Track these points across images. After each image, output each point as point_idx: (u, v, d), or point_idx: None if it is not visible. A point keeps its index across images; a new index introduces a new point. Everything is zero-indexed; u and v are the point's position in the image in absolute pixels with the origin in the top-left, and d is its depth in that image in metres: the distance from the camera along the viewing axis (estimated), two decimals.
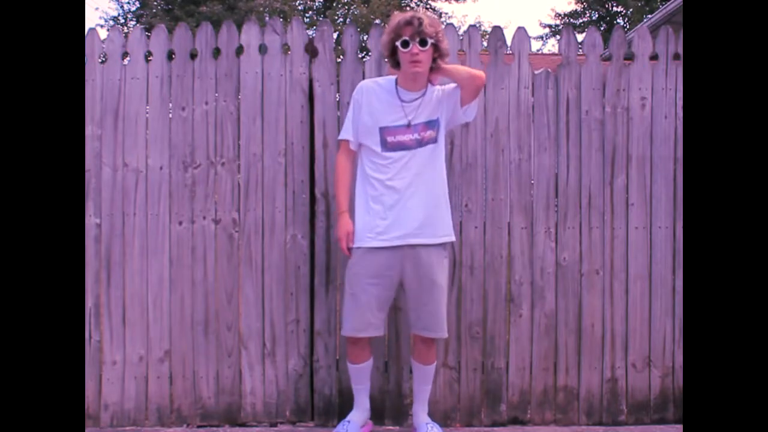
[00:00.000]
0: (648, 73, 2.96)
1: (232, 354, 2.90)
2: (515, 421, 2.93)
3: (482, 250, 2.91)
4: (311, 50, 2.92)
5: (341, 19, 20.47)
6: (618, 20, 24.85)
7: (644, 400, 2.96)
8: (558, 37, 17.38)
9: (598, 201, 2.94)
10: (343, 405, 2.88)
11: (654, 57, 2.97)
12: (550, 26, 26.92)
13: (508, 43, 2.93)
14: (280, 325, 2.90)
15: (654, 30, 5.63)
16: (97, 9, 43.83)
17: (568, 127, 2.93)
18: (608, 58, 2.97)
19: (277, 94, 2.91)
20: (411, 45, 2.45)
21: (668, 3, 9.85)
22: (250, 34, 2.91)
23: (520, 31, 2.94)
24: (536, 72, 2.95)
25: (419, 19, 2.45)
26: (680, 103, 2.96)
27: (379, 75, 2.86)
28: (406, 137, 2.54)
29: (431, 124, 2.56)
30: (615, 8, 25.54)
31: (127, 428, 2.88)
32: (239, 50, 2.91)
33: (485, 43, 2.95)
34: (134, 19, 19.04)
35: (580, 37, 2.94)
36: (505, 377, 2.93)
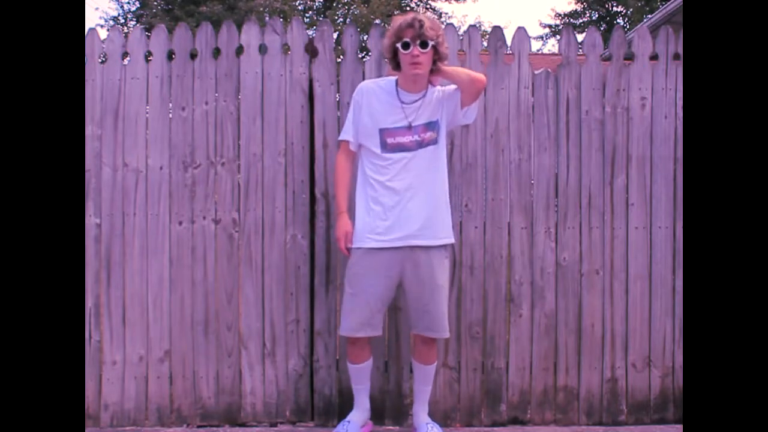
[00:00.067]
0: (648, 73, 2.96)
1: (232, 354, 2.90)
2: (515, 421, 2.93)
3: (482, 250, 2.91)
4: (311, 50, 2.92)
5: (341, 19, 20.47)
6: (618, 20, 24.85)
7: (644, 400, 2.96)
8: (558, 37, 17.38)
9: (598, 201, 2.94)
10: (343, 405, 2.89)
11: (654, 57, 2.97)
12: (550, 26, 26.94)
13: (508, 43, 2.93)
14: (280, 325, 2.90)
15: (654, 30, 5.63)
16: (97, 9, 43.85)
17: (568, 127, 2.93)
18: (608, 58, 2.97)
19: (277, 94, 2.91)
20: (412, 47, 2.45)
21: (668, 3, 9.86)
22: (250, 34, 2.91)
23: (520, 31, 2.94)
24: (536, 72, 2.95)
25: (420, 21, 2.46)
26: (680, 103, 2.96)
27: (379, 75, 2.86)
28: (406, 139, 2.54)
29: (431, 126, 2.56)
30: (615, 8, 25.55)
31: (127, 428, 2.88)
32: (239, 50, 2.91)
33: (485, 43, 2.95)
34: (134, 19, 19.04)
35: (580, 37, 2.94)
36: (505, 377, 2.93)
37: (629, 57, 2.98)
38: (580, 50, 2.95)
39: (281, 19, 4.43)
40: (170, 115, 2.92)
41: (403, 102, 2.56)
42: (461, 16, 38.27)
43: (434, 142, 2.57)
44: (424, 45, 2.45)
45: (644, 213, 2.95)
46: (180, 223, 2.90)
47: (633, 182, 2.94)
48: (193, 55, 2.91)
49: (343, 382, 2.90)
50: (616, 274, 2.94)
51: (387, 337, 2.88)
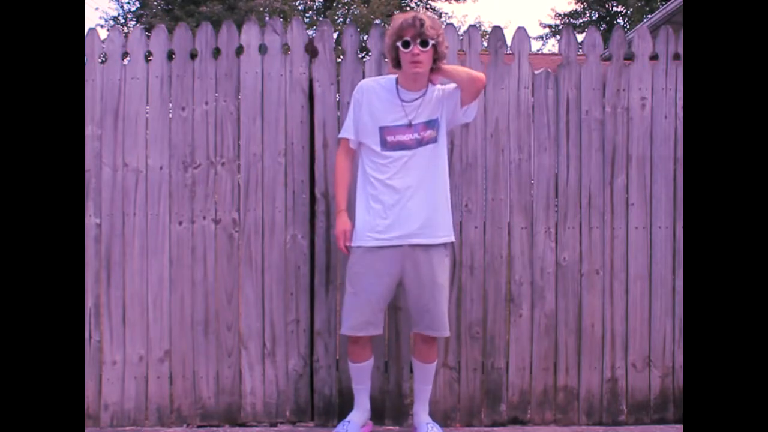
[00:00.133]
0: (648, 73, 2.96)
1: (232, 354, 2.90)
2: (515, 421, 2.93)
3: (482, 250, 2.91)
4: (311, 50, 2.92)
5: (341, 19, 20.47)
6: (618, 20, 24.85)
7: (644, 400, 2.96)
8: (558, 37, 17.38)
9: (598, 201, 2.94)
10: (343, 405, 2.89)
11: (654, 57, 2.97)
12: (550, 26, 26.94)
13: (508, 43, 2.93)
14: (280, 325, 2.90)
15: (654, 30, 5.63)
16: (97, 9, 43.85)
17: (568, 127, 2.93)
18: (608, 58, 2.97)
19: (277, 94, 2.91)
20: (412, 46, 2.46)
21: (668, 3, 9.86)
22: (250, 34, 2.91)
23: (520, 31, 2.94)
24: (536, 72, 2.95)
25: (421, 20, 2.47)
26: (680, 103, 2.96)
27: (379, 75, 2.86)
28: (406, 137, 2.55)
29: (431, 124, 2.57)
30: (615, 8, 25.54)
31: (127, 428, 2.88)
32: (239, 50, 2.91)
33: (485, 43, 2.95)
34: (134, 19, 19.04)
35: (580, 37, 2.94)
36: (505, 377, 2.93)
37: (629, 57, 2.98)
38: (580, 50, 2.95)
39: (281, 19, 4.43)
40: (170, 115, 2.92)
41: (403, 100, 2.57)
42: (461, 16, 38.28)
43: (434, 140, 2.57)
44: (424, 44, 2.46)
45: (644, 213, 2.95)
46: (180, 223, 2.90)
47: (633, 182, 2.94)
48: (193, 55, 2.91)
49: (343, 382, 2.90)
50: (616, 274, 2.94)
51: (387, 337, 2.88)
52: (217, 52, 2.92)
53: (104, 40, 2.92)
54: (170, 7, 17.76)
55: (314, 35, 2.93)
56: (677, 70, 2.96)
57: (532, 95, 2.94)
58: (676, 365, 2.96)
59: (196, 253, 2.89)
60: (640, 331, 2.95)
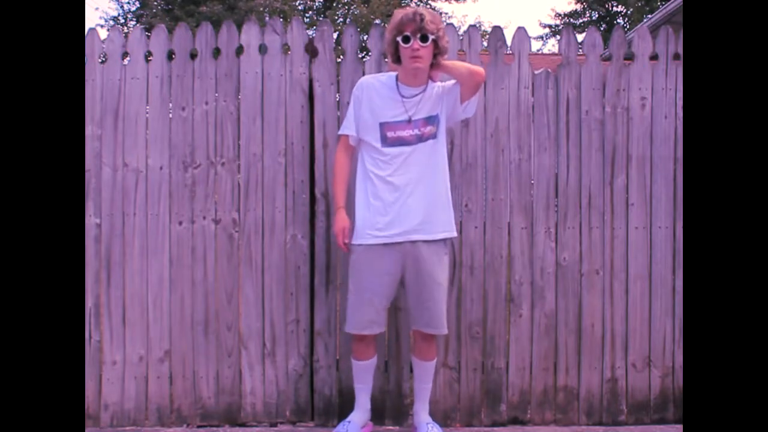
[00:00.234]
0: (648, 73, 2.96)
1: (232, 354, 2.90)
2: (515, 421, 2.93)
3: (482, 250, 2.91)
4: (311, 50, 2.92)
5: (341, 19, 20.47)
6: (618, 20, 24.85)
7: (644, 400, 2.96)
8: (558, 37, 17.38)
9: (598, 201, 2.94)
10: (343, 405, 2.89)
11: (654, 57, 2.97)
12: (550, 26, 26.93)
13: (508, 43, 2.93)
14: (280, 325, 2.90)
15: (654, 30, 5.63)
16: (97, 9, 43.84)
17: (568, 127, 2.93)
18: (608, 58, 2.97)
19: (277, 94, 2.91)
20: (412, 41, 2.46)
21: (668, 3, 9.86)
22: (250, 34, 2.91)
23: (520, 31, 2.94)
24: (536, 72, 2.95)
25: (421, 15, 2.47)
26: (680, 103, 2.96)
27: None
28: (406, 132, 2.55)
29: (431, 120, 2.57)
30: (615, 8, 25.54)
31: (127, 428, 2.88)
32: (239, 50, 2.91)
33: (485, 43, 2.95)
34: (134, 19, 19.04)
35: (580, 37, 2.94)
36: (505, 377, 2.93)
37: (629, 57, 2.98)
38: (580, 50, 2.95)
39: (281, 19, 4.43)
40: (170, 115, 2.92)
41: (403, 96, 2.57)
42: (461, 16, 38.24)
43: (434, 136, 2.57)
44: (424, 39, 2.46)
45: (644, 213, 2.95)
46: (180, 223, 2.90)
47: (633, 182, 2.94)
48: (193, 55, 2.91)
49: (343, 382, 2.90)
50: (616, 274, 2.94)
51: (387, 337, 2.88)
52: (217, 52, 2.92)
53: (104, 40, 2.92)
54: (170, 7, 17.75)
55: (314, 35, 2.93)
56: (677, 70, 2.96)
57: (532, 95, 2.94)
58: (676, 365, 2.96)
59: (196, 253, 2.89)
60: (640, 331, 2.95)
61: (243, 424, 2.90)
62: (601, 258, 2.93)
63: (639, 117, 2.95)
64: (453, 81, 2.60)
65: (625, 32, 3.00)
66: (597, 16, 25.77)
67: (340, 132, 2.72)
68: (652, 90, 2.96)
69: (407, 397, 2.92)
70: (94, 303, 2.89)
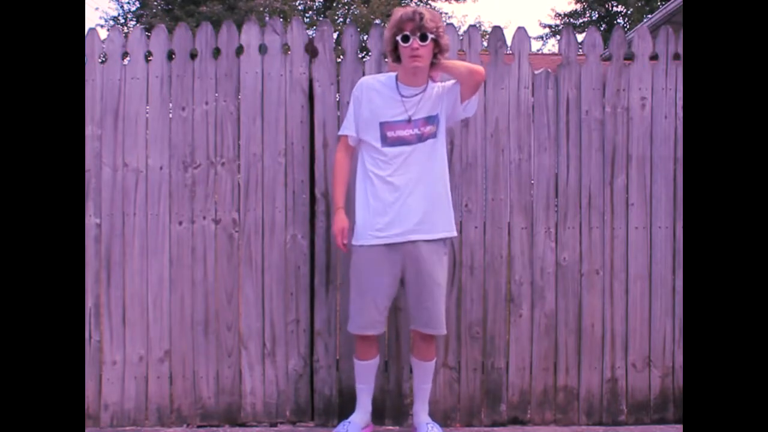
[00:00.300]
0: (648, 73, 2.96)
1: (232, 354, 2.90)
2: (515, 421, 2.93)
3: (482, 250, 2.91)
4: (311, 50, 2.92)
5: (341, 19, 20.47)
6: (618, 20, 24.85)
7: (644, 400, 2.96)
8: (558, 37, 17.38)
9: (598, 201, 2.94)
10: (343, 405, 2.89)
11: (654, 57, 2.97)
12: (550, 26, 26.93)
13: (508, 43, 2.93)
14: (280, 325, 2.90)
15: (654, 30, 5.63)
16: (97, 9, 43.85)
17: (568, 127, 2.93)
18: (608, 58, 2.97)
19: (277, 94, 2.91)
20: (411, 40, 2.46)
21: (668, 3, 9.86)
22: (250, 34, 2.91)
23: (520, 31, 2.94)
24: (536, 72, 2.95)
25: (420, 14, 2.47)
26: (680, 103, 2.96)
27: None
28: (406, 132, 2.55)
29: (431, 120, 2.57)
30: (615, 8, 25.53)
31: (127, 428, 2.88)
32: (239, 50, 2.91)
33: (485, 43, 2.95)
34: (134, 19, 19.04)
35: (580, 37, 2.94)
36: (505, 377, 2.93)
37: (629, 57, 2.98)
38: (580, 50, 2.95)
39: (281, 19, 4.43)
40: (170, 115, 2.92)
41: (403, 96, 2.57)
42: (461, 16, 38.24)
43: (434, 136, 2.57)
44: (423, 38, 2.46)
45: (644, 213, 2.95)
46: (180, 223, 2.90)
47: (633, 182, 2.94)
48: (193, 55, 2.91)
49: (343, 382, 2.91)
50: (616, 274, 2.94)
51: (387, 337, 2.88)
52: (217, 52, 2.92)
53: (104, 40, 2.92)
54: (170, 7, 17.76)
55: (314, 35, 2.93)
56: (677, 70, 2.96)
57: (532, 95, 2.94)
58: (676, 365, 2.96)
59: (196, 253, 2.89)
60: (640, 331, 2.95)
61: (243, 424, 2.90)
62: (601, 258, 2.93)
63: (639, 117, 2.95)
64: (453, 81, 2.60)
65: (625, 32, 3.00)
66: (597, 16, 25.77)
67: (340, 132, 2.72)
68: (652, 90, 2.96)
69: (407, 397, 2.92)
70: (94, 303, 2.89)
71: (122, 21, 19.29)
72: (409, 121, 2.55)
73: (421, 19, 2.45)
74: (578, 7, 26.01)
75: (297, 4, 20.14)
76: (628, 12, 24.18)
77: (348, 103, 2.76)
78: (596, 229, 2.93)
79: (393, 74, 2.64)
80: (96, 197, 2.89)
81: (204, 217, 2.90)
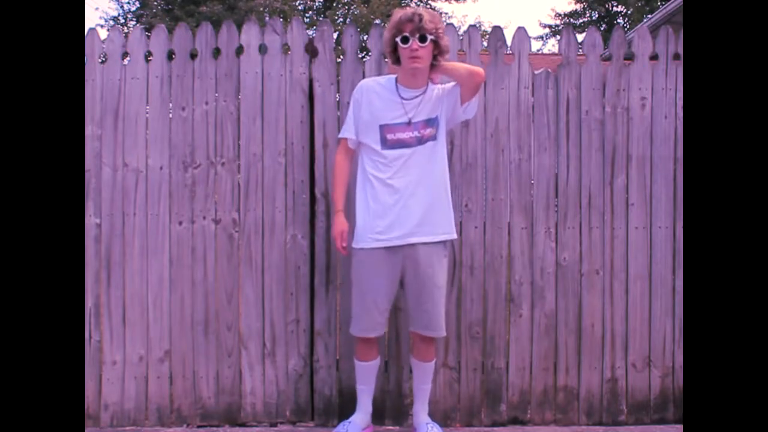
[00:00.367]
0: (648, 73, 2.96)
1: (232, 354, 2.90)
2: (515, 421, 2.93)
3: (482, 250, 2.91)
4: (311, 50, 2.92)
5: (341, 19, 20.47)
6: (618, 20, 24.85)
7: (644, 400, 2.96)
8: (558, 37, 17.38)
9: (598, 201, 2.94)
10: (343, 405, 2.89)
11: (654, 57, 2.97)
12: (550, 26, 26.93)
13: (508, 43, 2.93)
14: (280, 325, 2.90)
15: (654, 30, 5.63)
16: (97, 9, 43.86)
17: (568, 127, 2.93)
18: (608, 58, 2.97)
19: (277, 94, 2.91)
20: (411, 41, 2.46)
21: (668, 3, 9.86)
22: (250, 34, 2.91)
23: (520, 31, 2.94)
24: (536, 72, 2.95)
25: (420, 15, 2.46)
26: (680, 103, 2.96)
27: (379, 75, 2.86)
28: (406, 135, 2.55)
29: (431, 122, 2.57)
30: (615, 8, 25.54)
31: (127, 428, 2.88)
32: (239, 50, 2.91)
33: (485, 43, 2.95)
34: (134, 19, 19.04)
35: (580, 37, 2.94)
36: (505, 377, 2.93)
37: (629, 57, 2.98)
38: (580, 50, 2.95)
39: (281, 19, 4.43)
40: (170, 115, 2.92)
41: (403, 98, 2.57)
42: (461, 16, 38.25)
43: (434, 138, 2.57)
44: (423, 39, 2.46)
45: (644, 213, 2.95)
46: (180, 223, 2.90)
47: (633, 182, 2.94)
48: (193, 55, 2.91)
49: (343, 382, 2.91)
50: (616, 274, 2.94)
51: (387, 337, 2.88)
52: (217, 52, 2.92)
53: (104, 40, 2.92)
54: (170, 7, 17.76)
55: (314, 35, 2.93)
56: (677, 70, 2.96)
57: (532, 95, 2.94)
58: (676, 365, 2.96)
59: (196, 253, 2.89)
60: (640, 331, 2.95)
61: (243, 424, 2.90)
62: (601, 258, 2.93)
63: (639, 117, 2.95)
64: (453, 83, 2.60)
65: (625, 32, 3.00)
66: (597, 16, 25.77)
67: (339, 135, 2.72)
68: (652, 90, 2.96)
69: (407, 397, 2.92)
70: (94, 303, 2.89)
71: (122, 21, 19.29)
72: (409, 123, 2.55)
73: (420, 20, 2.45)
74: (578, 7, 26.02)
75: (297, 4, 20.14)
76: (628, 12, 24.18)
77: (348, 103, 2.76)
78: (596, 229, 2.93)
79: (393, 76, 2.64)
80: (96, 197, 2.89)
81: (204, 217, 2.90)
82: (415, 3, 22.55)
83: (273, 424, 2.91)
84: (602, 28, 23.02)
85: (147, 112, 2.91)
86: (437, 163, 2.58)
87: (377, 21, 17.30)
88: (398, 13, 2.52)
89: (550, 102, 2.93)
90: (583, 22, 25.52)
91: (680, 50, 2.95)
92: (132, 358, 2.89)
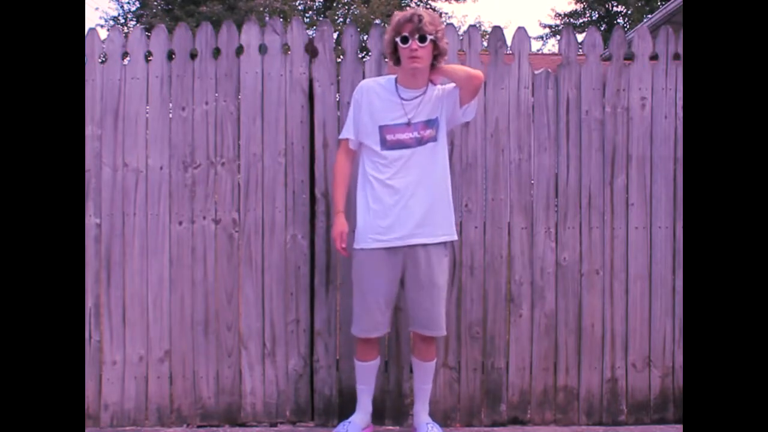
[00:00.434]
0: (648, 73, 2.96)
1: (232, 354, 2.90)
2: (515, 421, 2.93)
3: (482, 250, 2.91)
4: (311, 50, 2.92)
5: (341, 19, 20.48)
6: (618, 20, 24.85)
7: (644, 400, 2.96)
8: (558, 37, 17.38)
9: (598, 201, 2.94)
10: (343, 405, 2.89)
11: (654, 57, 2.97)
12: (550, 26, 26.93)
13: (508, 43, 2.93)
14: (280, 325, 2.90)
15: (654, 30, 5.63)
16: (97, 9, 43.86)
17: (568, 127, 2.93)
18: (608, 58, 2.97)
19: (277, 94, 2.91)
20: (410, 41, 2.46)
21: (668, 3, 9.86)
22: (250, 34, 2.91)
23: (520, 31, 2.94)
24: (536, 72, 2.95)
25: (419, 16, 2.47)
26: (680, 103, 2.96)
27: (379, 75, 2.86)
28: (405, 135, 2.55)
29: (431, 123, 2.57)
30: (615, 8, 25.54)
31: (127, 428, 2.88)
32: (239, 50, 2.91)
33: (485, 43, 2.95)
34: (134, 19, 19.05)
35: (580, 37, 2.94)
36: (505, 377, 2.93)
37: (629, 57, 2.98)
38: (580, 50, 2.95)
39: (281, 19, 4.43)
40: (170, 115, 2.92)
41: (402, 99, 2.57)
42: (461, 16, 38.25)
43: (434, 139, 2.57)
44: (422, 39, 2.46)
45: (644, 213, 2.95)
46: (180, 223, 2.90)
47: (633, 182, 2.94)
48: (193, 55, 2.91)
49: (343, 382, 2.91)
50: (616, 274, 2.94)
51: (387, 337, 2.88)
52: (217, 52, 2.92)
53: (104, 40, 2.92)
54: (170, 7, 17.76)
55: (314, 35, 2.93)
56: (677, 70, 2.96)
57: (532, 95, 2.94)
58: (676, 365, 2.96)
59: (196, 253, 2.89)
60: (640, 331, 2.95)
61: (243, 424, 2.90)
62: (601, 258, 2.93)
63: (639, 117, 2.95)
64: (453, 84, 2.60)
65: (625, 32, 3.00)
66: (597, 16, 25.77)
67: (340, 136, 2.72)
68: (652, 90, 2.96)
69: (407, 397, 2.92)
70: (94, 303, 2.89)
71: (122, 21, 19.30)
72: (408, 124, 2.55)
73: (420, 20, 2.45)
74: (578, 7, 26.02)
75: (297, 4, 20.15)
76: (628, 12, 24.18)
77: (348, 103, 2.76)
78: (596, 229, 2.93)
79: (393, 77, 2.64)
80: (96, 197, 2.89)
81: (204, 217, 2.90)
82: (415, 3, 22.56)
83: (273, 424, 2.91)
84: (602, 28, 23.02)
85: (147, 112, 2.91)
86: (438, 164, 2.58)
87: (377, 21, 17.30)
88: (398, 15, 2.53)
89: (550, 102, 2.93)
90: (583, 22, 25.52)
91: (680, 50, 2.95)
92: (132, 358, 2.89)
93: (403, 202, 2.53)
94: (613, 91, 2.94)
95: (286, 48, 2.92)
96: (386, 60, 2.77)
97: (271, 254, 2.90)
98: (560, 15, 26.73)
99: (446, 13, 24.43)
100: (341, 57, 2.97)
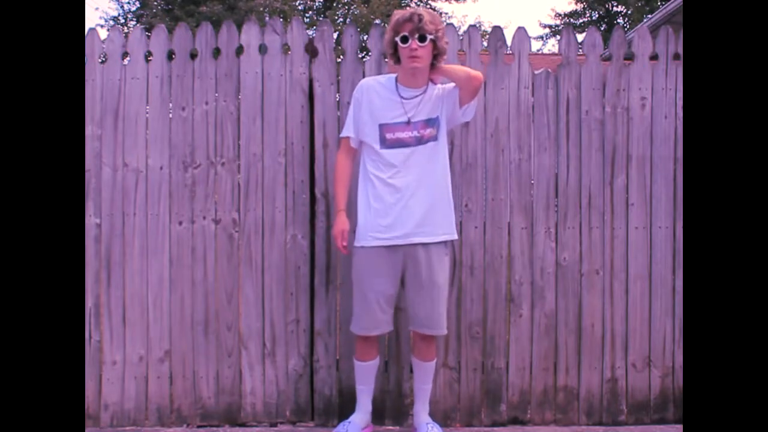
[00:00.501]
0: (648, 73, 2.96)
1: (232, 354, 2.90)
2: (515, 421, 2.93)
3: (482, 250, 2.91)
4: (311, 50, 2.92)
5: (341, 19, 20.48)
6: (618, 20, 24.85)
7: (644, 400, 2.96)
8: (558, 37, 17.38)
9: (598, 201, 2.94)
10: (343, 405, 2.89)
11: (654, 57, 2.97)
12: (550, 26, 26.93)
13: (508, 43, 2.93)
14: (280, 325, 2.90)
15: (654, 30, 5.63)
16: (97, 9, 43.86)
17: (568, 127, 2.93)
18: (608, 58, 2.97)
19: (277, 94, 2.91)
20: (410, 41, 2.46)
21: (668, 3, 9.86)
22: (250, 34, 2.91)
23: (520, 31, 2.94)
24: (536, 72, 2.95)
25: (419, 15, 2.47)
26: (680, 103, 2.96)
27: (379, 75, 2.86)
28: (405, 134, 2.55)
29: (431, 122, 2.57)
30: (615, 8, 25.54)
31: (127, 428, 2.88)
32: (239, 50, 2.91)
33: (485, 43, 2.95)
34: (134, 19, 19.05)
35: (580, 37, 2.94)
36: (505, 377, 2.93)
37: (629, 57, 2.98)
38: (580, 50, 2.95)
39: (281, 19, 4.43)
40: (170, 115, 2.92)
41: (402, 97, 2.57)
42: (461, 16, 38.26)
43: (434, 138, 2.57)
44: (422, 39, 2.46)
45: (644, 213, 2.95)
46: (180, 223, 2.90)
47: (633, 182, 2.94)
48: (193, 55, 2.91)
49: (343, 382, 2.91)
50: (616, 274, 2.94)
51: (387, 337, 2.88)
52: (217, 52, 2.92)
53: (104, 40, 2.92)
54: (170, 7, 17.76)
55: (314, 35, 2.93)
56: (677, 70, 2.96)
57: (532, 95, 2.94)
58: (676, 365, 2.96)
59: (196, 253, 2.89)
60: (640, 331, 2.95)
61: (243, 424, 2.90)
62: (601, 258, 2.93)
63: (639, 117, 2.95)
64: (453, 84, 2.60)
65: (625, 32, 3.00)
66: (597, 16, 25.77)
67: (340, 135, 2.72)
68: (652, 90, 2.96)
69: (407, 397, 2.92)
70: (94, 303, 2.89)
71: (122, 21, 19.30)
72: (408, 123, 2.55)
73: (420, 20, 2.45)
74: (578, 7, 26.02)
75: (297, 4, 20.15)
76: (628, 12, 24.18)
77: (348, 103, 2.77)
78: (596, 229, 2.93)
79: (393, 76, 2.64)
80: (96, 197, 2.89)
81: (204, 217, 2.90)
82: (415, 3, 22.56)
83: (273, 424, 2.91)
84: (602, 28, 23.02)
85: (147, 112, 2.91)
86: (438, 164, 2.58)
87: (377, 21, 17.30)
88: (398, 14, 2.53)
89: (550, 102, 2.93)
90: (583, 22, 25.53)
91: (680, 50, 2.95)
92: (132, 358, 2.89)
93: (403, 202, 2.53)
94: (613, 91, 2.94)
95: (286, 48, 2.92)
96: (386, 60, 2.77)
97: (271, 254, 2.90)
98: (560, 15, 26.74)
99: (446, 13, 24.44)
100: (341, 57, 2.97)
